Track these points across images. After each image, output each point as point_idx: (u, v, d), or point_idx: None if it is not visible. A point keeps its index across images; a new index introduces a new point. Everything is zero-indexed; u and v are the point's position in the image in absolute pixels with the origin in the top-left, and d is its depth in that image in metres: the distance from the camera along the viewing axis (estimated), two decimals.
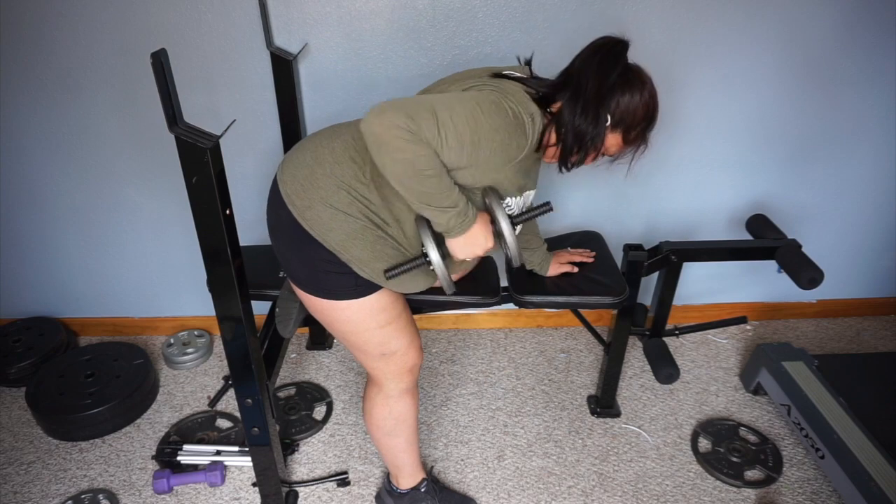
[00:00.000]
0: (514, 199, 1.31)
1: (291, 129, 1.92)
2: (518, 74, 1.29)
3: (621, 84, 1.22)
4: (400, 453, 1.61)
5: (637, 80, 1.24)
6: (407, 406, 1.52)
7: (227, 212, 1.23)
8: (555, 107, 1.26)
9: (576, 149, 1.26)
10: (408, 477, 1.67)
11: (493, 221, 1.26)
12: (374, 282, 1.32)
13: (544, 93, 1.25)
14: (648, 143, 1.33)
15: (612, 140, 1.29)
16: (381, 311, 1.36)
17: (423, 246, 1.25)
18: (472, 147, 1.16)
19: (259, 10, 1.78)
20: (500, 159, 1.21)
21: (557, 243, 1.90)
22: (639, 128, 1.28)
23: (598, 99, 1.22)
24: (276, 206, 1.32)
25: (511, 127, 1.18)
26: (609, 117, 1.24)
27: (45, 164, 2.07)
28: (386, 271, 1.29)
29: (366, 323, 1.36)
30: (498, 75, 1.27)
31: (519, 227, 1.30)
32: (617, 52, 1.22)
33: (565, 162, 1.29)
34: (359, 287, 1.31)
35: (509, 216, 1.25)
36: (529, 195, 1.36)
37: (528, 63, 1.36)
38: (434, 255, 1.23)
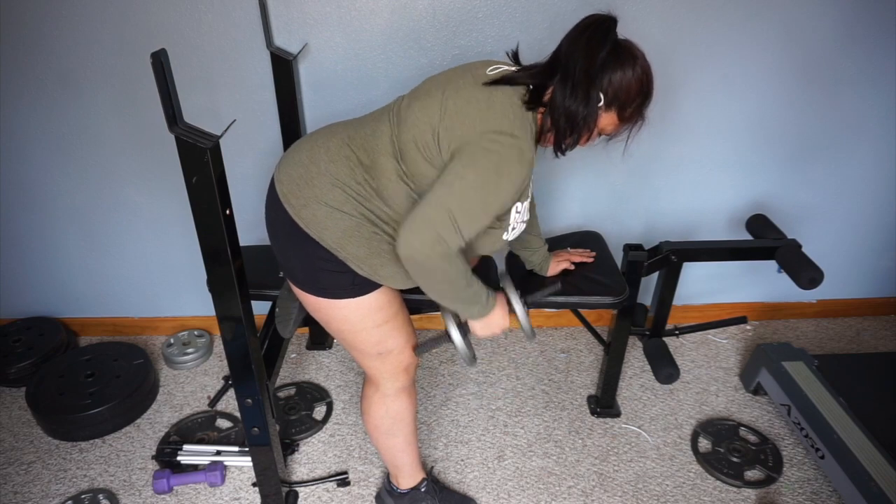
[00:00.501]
0: (522, 203, 1.31)
1: (291, 129, 1.93)
2: (507, 68, 1.27)
3: (612, 61, 1.18)
4: (399, 453, 1.61)
5: (628, 55, 1.19)
6: (404, 405, 1.52)
7: (227, 212, 1.23)
8: (547, 94, 1.23)
9: (569, 131, 1.22)
10: (407, 477, 1.67)
11: (509, 302, 1.39)
12: (372, 279, 1.32)
13: (536, 84, 1.22)
14: (646, 119, 1.28)
15: (608, 119, 1.25)
16: (378, 311, 1.36)
17: (446, 325, 1.39)
18: (498, 209, 1.23)
19: (259, 10, 1.78)
20: (517, 194, 1.25)
21: (557, 243, 1.90)
22: (634, 104, 1.23)
23: (589, 78, 1.18)
24: (273, 206, 1.32)
25: (525, 166, 1.19)
26: (602, 96, 1.20)
27: (45, 164, 2.07)
28: (415, 348, 1.47)
29: (362, 322, 1.36)
30: (491, 83, 1.23)
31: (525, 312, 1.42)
32: (605, 28, 1.18)
33: (559, 145, 1.26)
34: (356, 286, 1.31)
35: (523, 300, 1.40)
36: (529, 189, 1.36)
37: (515, 55, 1.34)
38: (456, 336, 1.38)
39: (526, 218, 1.36)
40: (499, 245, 1.35)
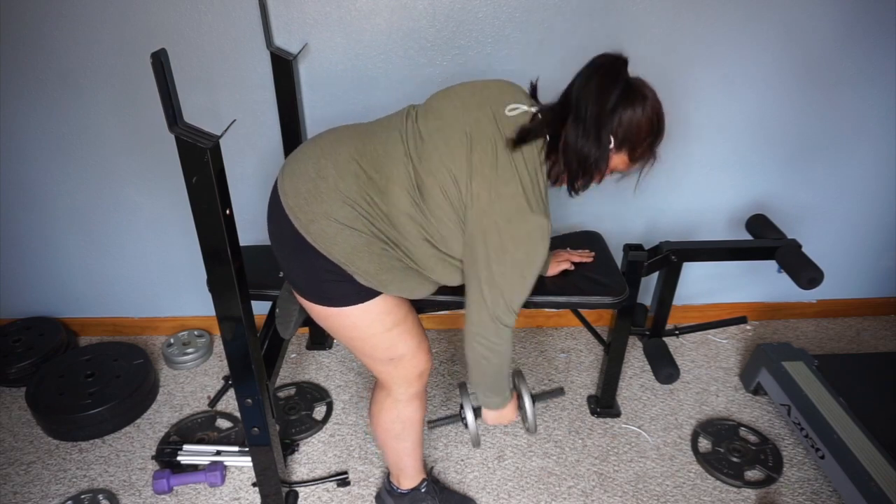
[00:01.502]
0: None
1: (291, 129, 1.92)
2: (525, 109, 1.26)
3: (622, 102, 1.18)
4: (405, 456, 1.61)
5: (638, 94, 1.19)
6: (415, 410, 1.52)
7: (227, 212, 1.23)
8: (562, 141, 1.22)
9: (581, 173, 1.24)
10: (409, 478, 1.67)
11: (519, 397, 1.53)
12: (378, 290, 1.31)
13: (552, 135, 1.23)
14: (658, 156, 1.29)
15: (619, 160, 1.26)
16: (387, 314, 1.34)
17: (461, 409, 1.57)
18: (536, 275, 1.28)
19: (259, 10, 1.78)
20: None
21: (557, 243, 1.90)
22: (645, 143, 1.24)
23: (599, 121, 1.18)
24: (278, 217, 1.30)
25: (547, 239, 1.23)
26: (612, 138, 1.20)
27: (45, 164, 2.07)
28: (429, 423, 1.62)
29: (372, 327, 1.34)
30: (514, 142, 1.22)
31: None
32: (616, 69, 1.18)
33: (573, 185, 1.28)
34: (361, 292, 1.30)
35: (533, 398, 1.53)
36: None
37: (534, 88, 1.33)
38: (471, 421, 1.54)
39: None
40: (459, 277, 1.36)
